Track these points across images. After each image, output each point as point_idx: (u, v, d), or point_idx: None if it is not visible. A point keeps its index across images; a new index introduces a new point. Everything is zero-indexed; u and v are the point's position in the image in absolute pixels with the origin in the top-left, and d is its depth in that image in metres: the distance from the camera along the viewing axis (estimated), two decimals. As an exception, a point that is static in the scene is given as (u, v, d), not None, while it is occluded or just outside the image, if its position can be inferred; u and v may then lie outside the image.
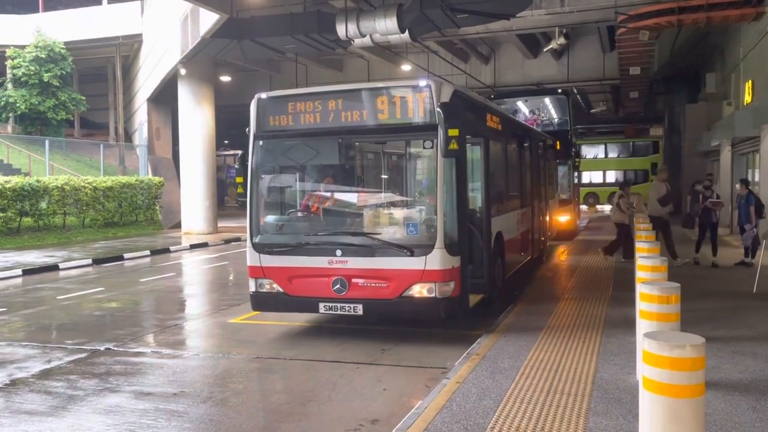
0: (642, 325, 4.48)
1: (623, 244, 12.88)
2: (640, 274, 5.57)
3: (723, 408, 4.72)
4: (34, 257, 15.42)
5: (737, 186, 12.57)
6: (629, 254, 12.18)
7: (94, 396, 5.71)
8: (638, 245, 6.48)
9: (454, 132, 6.55)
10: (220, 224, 23.47)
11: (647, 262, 5.45)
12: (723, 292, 9.52)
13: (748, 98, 15.74)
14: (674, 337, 2.62)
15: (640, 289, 4.47)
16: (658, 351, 2.56)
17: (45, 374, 6.42)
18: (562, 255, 14.73)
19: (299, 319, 8.35)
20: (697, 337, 2.64)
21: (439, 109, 6.69)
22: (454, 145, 6.56)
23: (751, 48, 15.74)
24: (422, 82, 6.97)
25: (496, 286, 8.64)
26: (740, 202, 11.80)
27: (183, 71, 21.53)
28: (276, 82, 27.63)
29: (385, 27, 14.83)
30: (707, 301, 8.75)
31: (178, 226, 23.11)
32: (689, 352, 2.54)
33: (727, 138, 18.31)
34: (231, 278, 13.39)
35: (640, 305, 4.53)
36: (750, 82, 15.67)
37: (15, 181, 18.39)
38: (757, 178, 15.57)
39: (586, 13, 16.68)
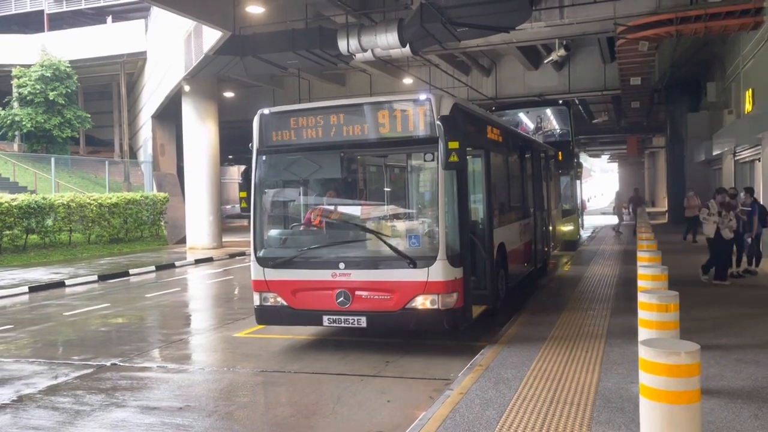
0: (642, 334, 4.51)
1: (714, 261, 11.07)
2: (641, 283, 5.60)
3: (725, 416, 4.74)
4: (41, 274, 15.52)
5: (741, 195, 12.57)
6: (720, 274, 10.92)
7: (100, 411, 5.75)
8: (639, 255, 6.51)
9: (454, 144, 6.61)
10: (225, 239, 23.56)
11: (648, 271, 5.49)
12: (727, 300, 9.52)
13: (748, 107, 15.78)
14: (669, 345, 2.67)
15: (640, 297, 4.51)
16: (654, 358, 2.61)
17: (52, 390, 6.47)
18: (565, 265, 14.74)
19: (304, 333, 8.39)
20: (692, 344, 2.69)
21: (439, 122, 6.77)
22: (454, 158, 6.62)
23: (751, 57, 15.82)
24: (422, 96, 7.06)
25: (499, 297, 8.68)
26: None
27: (187, 88, 21.73)
28: (279, 98, 27.80)
29: (386, 41, 14.97)
30: (711, 309, 8.76)
31: (183, 241, 23.20)
32: (684, 358, 2.58)
33: (728, 146, 18.37)
34: (236, 292, 13.44)
35: (640, 314, 4.57)
36: (750, 90, 15.72)
37: (21, 198, 18.54)
38: (760, 186, 15.57)
39: (585, 25, 16.77)
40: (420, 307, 6.92)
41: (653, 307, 4.34)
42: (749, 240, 11.55)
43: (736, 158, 19.02)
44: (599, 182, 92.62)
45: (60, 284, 14.21)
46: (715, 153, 20.21)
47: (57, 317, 10.67)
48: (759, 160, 15.68)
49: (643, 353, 2.65)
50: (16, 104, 26.91)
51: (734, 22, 14.59)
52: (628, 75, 20.47)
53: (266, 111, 7.75)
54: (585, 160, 62.23)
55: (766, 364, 6.04)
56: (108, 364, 7.43)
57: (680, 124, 27.11)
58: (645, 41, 15.95)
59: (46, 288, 13.82)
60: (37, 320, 10.48)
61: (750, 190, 12.07)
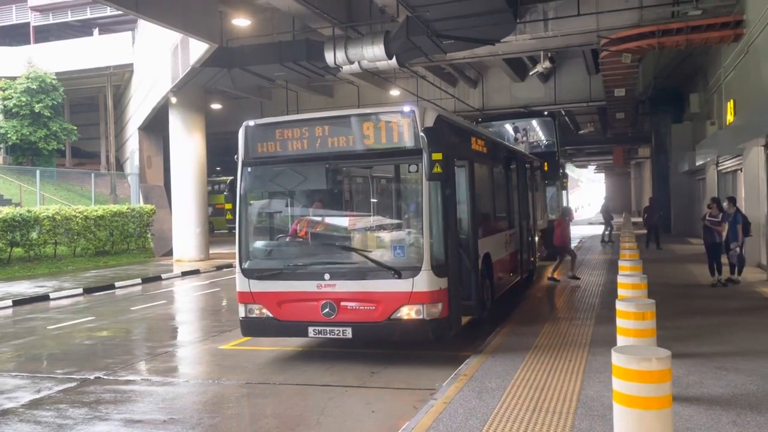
0: (620, 342, 4.57)
1: None
2: (620, 292, 5.67)
3: (704, 422, 4.79)
4: (25, 287, 15.38)
5: (724, 204, 12.70)
6: None
7: (83, 425, 5.72)
8: (620, 264, 6.59)
9: (437, 156, 6.69)
10: (212, 251, 23.46)
11: (627, 279, 5.56)
12: (709, 308, 9.62)
13: (730, 118, 16.01)
14: (641, 351, 2.72)
15: (618, 306, 4.57)
16: (626, 364, 2.66)
17: (34, 404, 6.42)
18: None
19: (290, 344, 8.39)
20: (663, 350, 2.74)
21: (422, 134, 6.84)
22: (438, 169, 6.70)
23: (732, 69, 16.07)
24: (406, 108, 7.13)
25: (484, 307, 8.72)
26: (728, 220, 11.89)
27: (174, 100, 21.71)
28: (267, 109, 27.86)
29: (373, 54, 15.09)
30: (693, 318, 8.86)
31: (169, 253, 23.08)
32: (655, 364, 2.63)
33: (711, 157, 18.62)
34: (223, 305, 13.39)
35: (618, 322, 4.63)
36: (731, 102, 15.95)
37: (6, 211, 18.39)
38: (742, 196, 15.77)
39: (569, 38, 17.01)
40: (405, 317, 6.95)
41: (630, 316, 4.41)
42: (738, 249, 11.64)
43: (719, 168, 19.26)
44: (586, 192, 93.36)
45: (44, 297, 14.09)
46: (698, 163, 20.46)
47: (41, 331, 10.58)
48: (741, 170, 15.90)
49: (616, 360, 2.70)
50: (1, 116, 26.75)
51: (715, 35, 14.85)
52: (613, 86, 20.75)
53: (251, 123, 7.79)
54: (572, 171, 62.81)
55: (745, 371, 6.12)
56: (92, 377, 7.38)
57: (664, 134, 27.44)
58: (628, 53, 16.20)
59: (31, 301, 13.70)
60: (20, 334, 10.39)
61: (732, 200, 12.20)
